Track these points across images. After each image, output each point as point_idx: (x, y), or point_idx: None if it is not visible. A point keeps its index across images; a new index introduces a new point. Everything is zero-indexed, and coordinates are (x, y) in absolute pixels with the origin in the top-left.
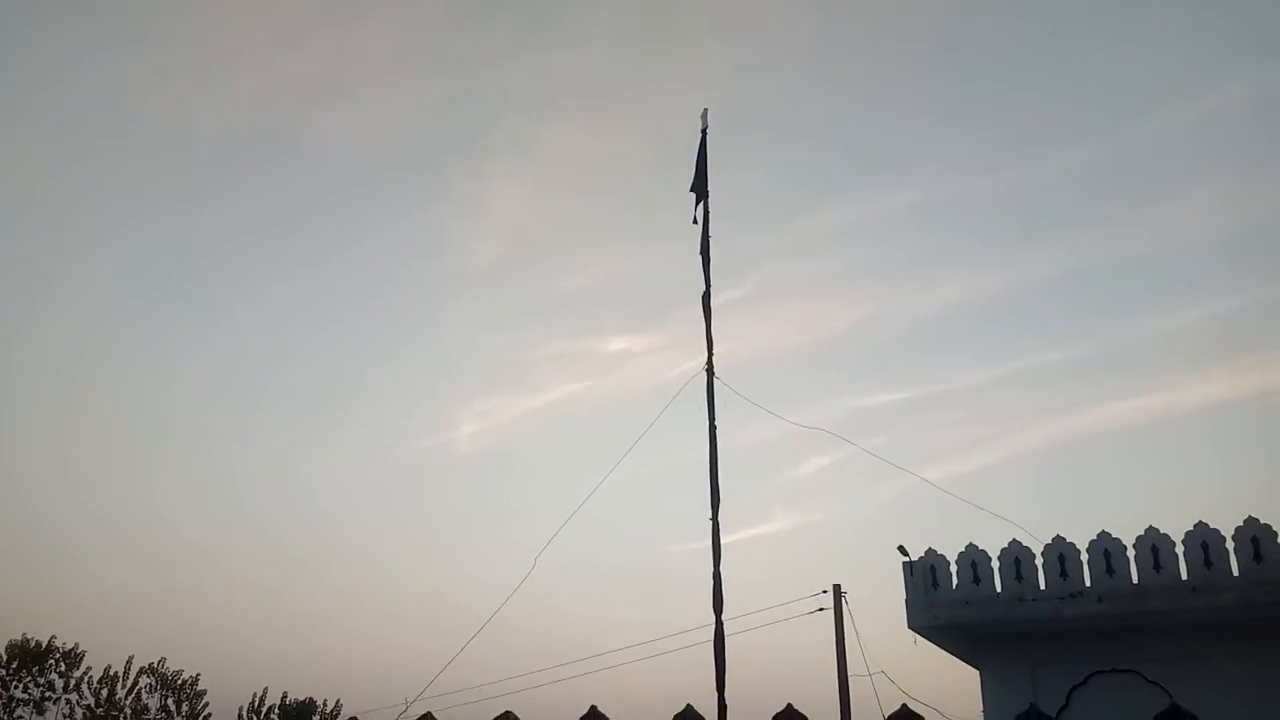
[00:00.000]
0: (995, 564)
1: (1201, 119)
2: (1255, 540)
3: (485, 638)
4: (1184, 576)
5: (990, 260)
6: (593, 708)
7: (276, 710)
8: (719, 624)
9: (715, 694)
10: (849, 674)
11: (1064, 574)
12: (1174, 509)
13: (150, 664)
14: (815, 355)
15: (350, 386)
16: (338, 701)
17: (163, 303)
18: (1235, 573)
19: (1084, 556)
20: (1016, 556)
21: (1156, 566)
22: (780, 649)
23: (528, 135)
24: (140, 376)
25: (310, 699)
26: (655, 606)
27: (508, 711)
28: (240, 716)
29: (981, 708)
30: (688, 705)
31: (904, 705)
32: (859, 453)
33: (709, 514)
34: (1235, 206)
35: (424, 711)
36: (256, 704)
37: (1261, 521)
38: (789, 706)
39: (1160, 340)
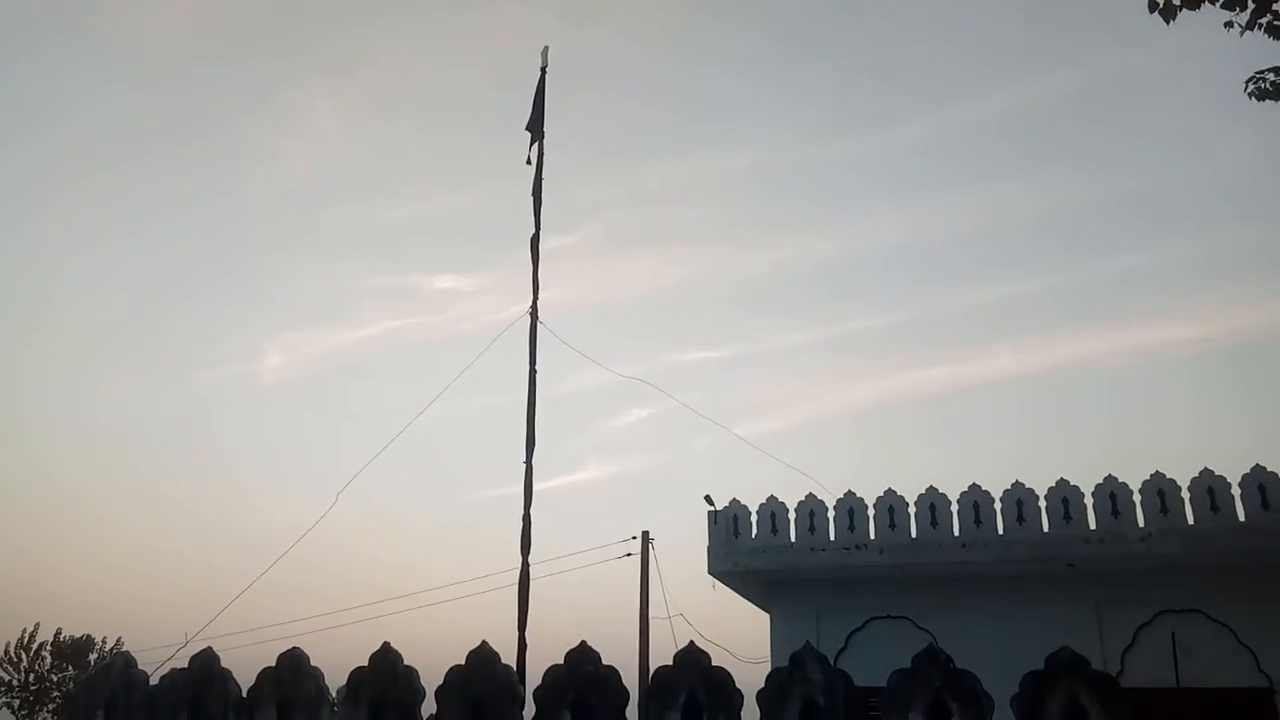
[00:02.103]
0: (792, 516)
1: (1023, 106)
2: (1020, 503)
3: (284, 577)
4: (956, 533)
5: (818, 228)
6: (385, 644)
7: (49, 647)
8: (525, 565)
9: (517, 634)
10: (650, 616)
11: (851, 527)
12: (954, 473)
13: None
14: (641, 308)
15: (152, 306)
16: (119, 640)
17: None
18: (1000, 532)
19: (870, 512)
20: (811, 509)
21: (933, 523)
22: (590, 593)
23: (357, 51)
24: None
25: (88, 636)
26: (465, 550)
27: (295, 648)
28: (6, 653)
29: (769, 649)
30: (483, 642)
31: (691, 642)
32: (677, 406)
33: (523, 458)
34: (1049, 190)
35: (204, 647)
36: (25, 640)
37: (1026, 486)
38: (582, 643)
39: (966, 315)
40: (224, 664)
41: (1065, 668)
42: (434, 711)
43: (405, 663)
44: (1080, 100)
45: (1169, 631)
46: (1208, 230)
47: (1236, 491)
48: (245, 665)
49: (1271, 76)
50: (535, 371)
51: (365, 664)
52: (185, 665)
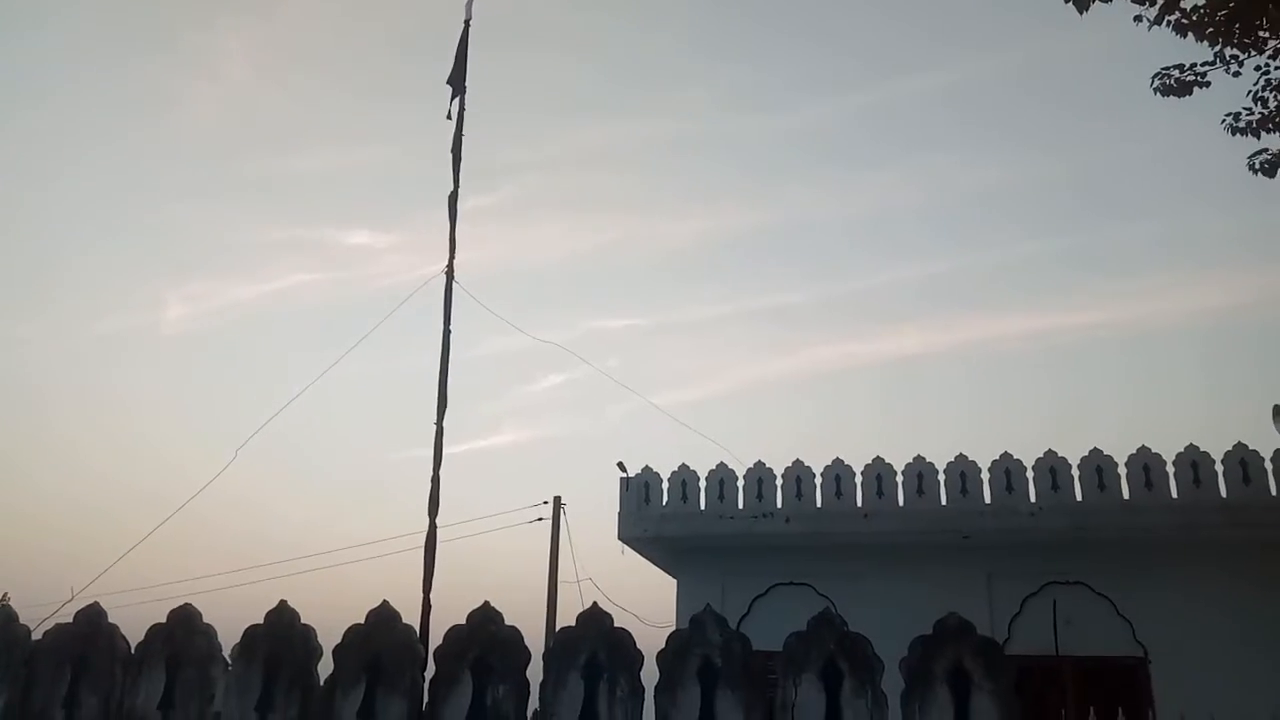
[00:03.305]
0: (702, 484)
1: (965, 81)
2: (920, 476)
3: (182, 534)
4: (859, 504)
5: (743, 198)
6: (281, 602)
7: None
8: (432, 526)
9: (422, 595)
10: (560, 581)
11: (760, 496)
12: (857, 446)
13: None
14: (560, 274)
15: (49, 251)
16: (3, 595)
17: None
18: (901, 503)
19: (779, 482)
20: (721, 478)
21: (838, 494)
22: (502, 558)
23: None
24: None
25: None
26: (374, 512)
27: (186, 604)
28: None
29: (675, 614)
30: (383, 601)
31: (594, 603)
32: (594, 373)
33: (435, 419)
34: (984, 167)
35: (91, 602)
36: None
37: (926, 460)
38: (485, 604)
39: (878, 295)
40: (113, 621)
41: (952, 633)
42: (331, 671)
43: (303, 621)
44: (1024, 78)
45: (1054, 601)
46: (1139, 215)
47: (1123, 471)
48: (137, 624)
49: (1176, 74)
50: (449, 332)
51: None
52: (70, 621)
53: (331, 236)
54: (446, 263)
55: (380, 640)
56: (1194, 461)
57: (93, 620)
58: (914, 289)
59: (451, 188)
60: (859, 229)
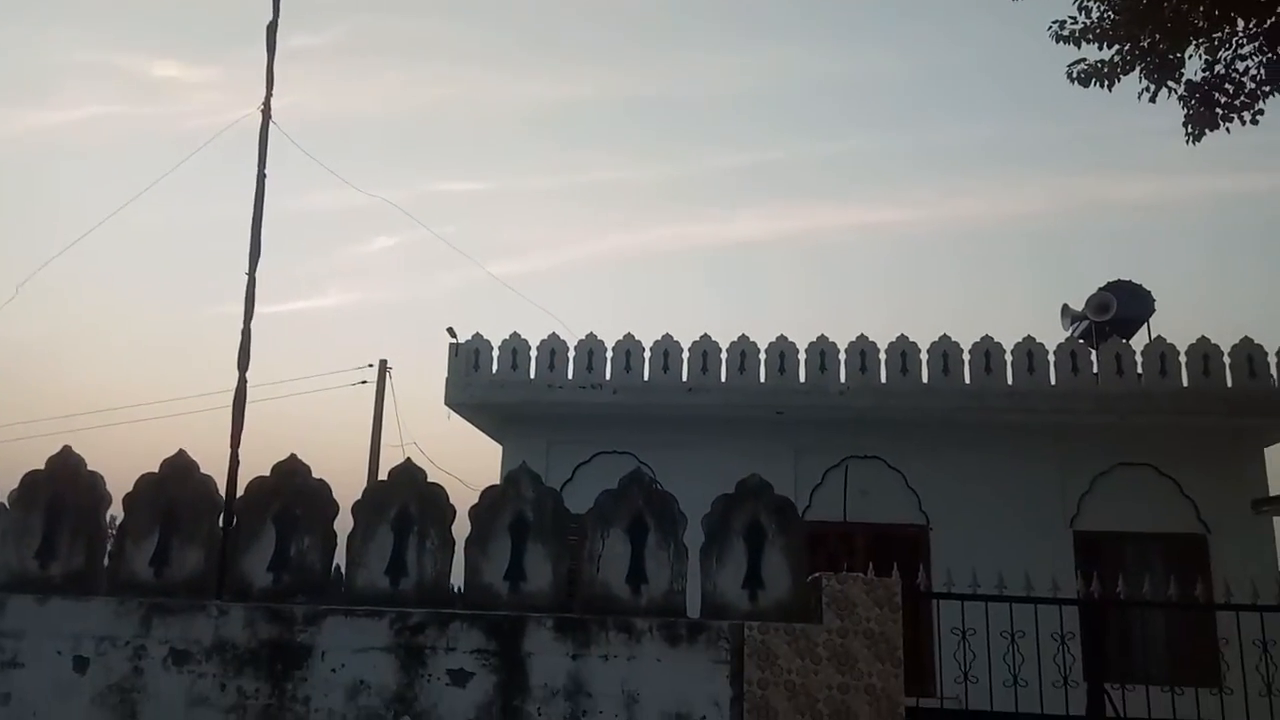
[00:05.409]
0: (533, 353)
1: None
2: (743, 355)
3: None
4: (684, 378)
5: (590, 68)
6: (66, 447)
7: None
8: (242, 381)
9: (230, 450)
10: (385, 445)
11: (590, 367)
12: (687, 324)
13: None
14: (395, 129)
15: None
16: None
17: None
18: (723, 379)
19: (609, 354)
20: (552, 348)
21: (665, 369)
22: (325, 426)
23: None
24: None
25: None
26: (186, 370)
27: None
28: None
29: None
30: (180, 450)
31: (407, 459)
32: (427, 237)
33: (247, 269)
34: (831, 58)
35: None
36: None
37: (750, 339)
38: (291, 456)
39: (717, 179)
40: None
41: (751, 491)
42: (121, 518)
43: (90, 468)
44: None
45: (853, 474)
46: (969, 117)
47: (924, 357)
48: None
49: None
50: (264, 175)
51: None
52: None
53: (137, 65)
54: (263, 100)
55: (175, 489)
56: (987, 351)
57: None
58: (752, 175)
59: (271, 17)
60: (703, 112)
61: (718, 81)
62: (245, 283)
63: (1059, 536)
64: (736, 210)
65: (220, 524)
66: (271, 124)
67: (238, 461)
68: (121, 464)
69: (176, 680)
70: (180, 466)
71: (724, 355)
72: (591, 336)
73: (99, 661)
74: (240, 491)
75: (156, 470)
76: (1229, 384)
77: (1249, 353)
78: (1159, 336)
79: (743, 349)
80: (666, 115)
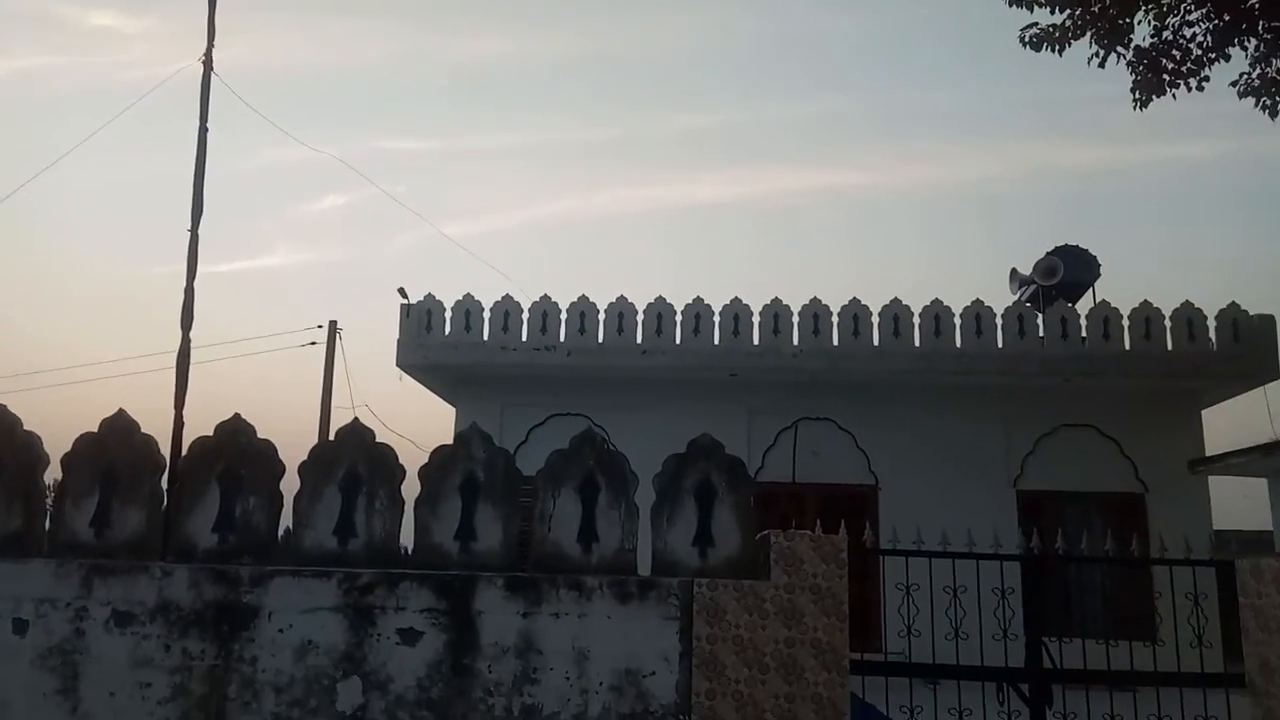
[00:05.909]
0: (486, 315)
1: None
2: (698, 317)
3: None
4: (639, 340)
5: (546, 24)
6: (1, 405)
7: None
8: (185, 339)
9: (174, 411)
10: (335, 407)
11: (544, 329)
12: (643, 286)
13: None
14: (345, 84)
15: None
16: None
17: None
18: (677, 341)
19: (563, 316)
20: (506, 310)
21: (620, 330)
22: (274, 388)
23: None
24: None
25: None
26: (130, 329)
27: None
28: None
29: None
30: (119, 410)
31: (355, 418)
32: (377, 195)
33: (189, 226)
34: (779, 19)
35: None
36: None
37: (705, 302)
38: (235, 416)
39: (676, 141)
40: None
41: (702, 450)
42: (60, 478)
43: (26, 427)
44: None
45: (804, 435)
46: (928, 82)
47: (875, 320)
48: None
49: None
50: (206, 129)
51: None
52: None
53: (71, 14)
54: (205, 50)
55: (115, 449)
56: (937, 315)
57: None
58: (710, 137)
59: None
60: (661, 73)
61: (676, 43)
62: (188, 240)
63: (1003, 495)
64: (694, 172)
65: (164, 485)
66: (214, 76)
67: (182, 422)
68: (61, 426)
69: (119, 642)
70: (121, 426)
71: (679, 317)
72: (546, 298)
73: (39, 624)
74: (182, 448)
75: (96, 430)
76: (1169, 347)
77: (1189, 317)
78: (1103, 300)
79: (697, 311)
80: (624, 76)
